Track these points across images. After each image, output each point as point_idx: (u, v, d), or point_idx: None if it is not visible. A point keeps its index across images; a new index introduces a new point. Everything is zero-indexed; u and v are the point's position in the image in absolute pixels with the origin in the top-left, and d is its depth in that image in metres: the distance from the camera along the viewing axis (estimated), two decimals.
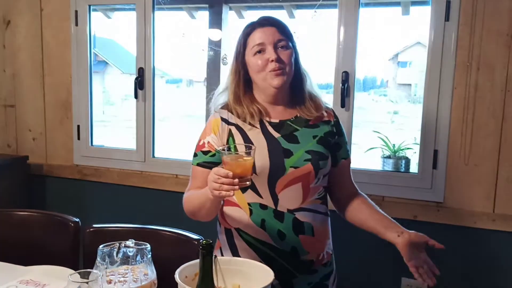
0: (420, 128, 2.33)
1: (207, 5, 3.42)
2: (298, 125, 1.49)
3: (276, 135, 1.46)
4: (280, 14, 3.45)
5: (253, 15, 3.68)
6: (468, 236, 2.27)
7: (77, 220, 1.85)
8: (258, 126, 1.47)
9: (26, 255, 1.70)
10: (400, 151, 2.56)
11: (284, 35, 1.44)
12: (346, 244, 2.47)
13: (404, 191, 2.36)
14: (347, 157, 1.58)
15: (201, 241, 1.05)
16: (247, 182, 1.26)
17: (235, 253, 1.50)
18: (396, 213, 2.34)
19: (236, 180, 1.21)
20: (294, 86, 1.50)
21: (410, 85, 6.75)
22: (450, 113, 2.24)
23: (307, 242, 1.45)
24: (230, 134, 1.47)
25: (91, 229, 1.79)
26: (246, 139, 1.46)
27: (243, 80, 1.49)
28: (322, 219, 1.50)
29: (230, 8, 3.43)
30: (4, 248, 1.76)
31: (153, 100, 2.82)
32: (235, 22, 3.44)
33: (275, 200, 1.42)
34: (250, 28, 1.46)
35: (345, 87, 2.38)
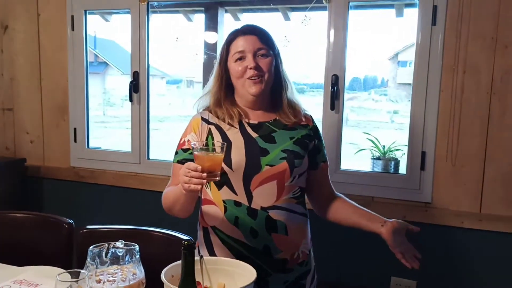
0: (408, 130, 2.37)
1: (203, 8, 3.47)
2: (276, 127, 1.54)
3: (254, 135, 1.51)
4: (275, 17, 3.50)
5: (249, 18, 3.73)
6: (455, 236, 2.32)
7: (70, 221, 1.90)
8: (237, 126, 1.53)
9: (20, 255, 1.74)
10: (390, 153, 2.60)
11: (265, 44, 1.49)
12: (335, 244, 2.52)
13: (393, 191, 2.40)
14: (325, 160, 1.63)
15: (183, 241, 1.09)
16: (216, 178, 1.31)
17: (210, 250, 1.55)
18: (385, 213, 2.37)
19: (205, 174, 1.27)
20: (274, 92, 1.55)
21: (410, 84, 6.76)
22: (437, 115, 2.29)
23: (280, 240, 1.48)
24: (210, 133, 1.53)
25: (84, 230, 1.84)
26: (225, 138, 1.51)
27: (225, 85, 1.55)
28: (297, 219, 1.53)
29: (226, 11, 3.47)
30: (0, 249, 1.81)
31: (148, 103, 2.86)
32: (231, 25, 3.48)
33: (249, 197, 1.47)
34: (233, 36, 1.51)
35: (335, 89, 2.43)
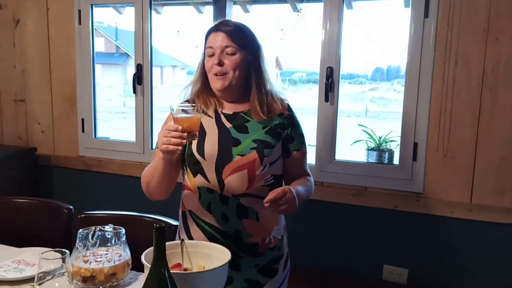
0: (401, 122, 2.41)
1: (212, 0, 3.52)
2: (250, 116, 1.58)
3: (228, 125, 1.57)
4: (284, 8, 3.55)
5: (258, 10, 3.78)
6: (446, 225, 2.35)
7: (70, 207, 2.00)
8: (212, 116, 1.59)
9: (23, 238, 1.85)
10: (385, 144, 2.64)
11: (234, 42, 1.52)
12: (327, 233, 2.59)
13: (386, 182, 2.45)
14: (299, 149, 1.66)
15: (154, 224, 1.17)
16: (195, 137, 1.38)
17: (188, 233, 1.63)
18: (377, 203, 2.46)
19: (185, 134, 1.34)
20: (248, 88, 1.59)
21: None
22: (429, 106, 2.32)
23: (250, 226, 1.55)
24: None
25: (83, 215, 1.94)
26: (201, 127, 1.54)
27: (205, 76, 1.60)
28: None
29: (235, 3, 3.52)
30: (3, 232, 1.93)
31: (151, 94, 2.96)
32: (240, 17, 3.54)
33: (221, 185, 1.53)
34: (208, 31, 1.58)
35: (329, 81, 2.47)
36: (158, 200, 1.63)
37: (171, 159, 1.48)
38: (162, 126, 1.65)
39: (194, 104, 1.51)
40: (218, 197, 1.54)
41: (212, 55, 1.54)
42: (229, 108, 1.61)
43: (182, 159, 1.59)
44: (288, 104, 1.66)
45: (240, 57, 1.54)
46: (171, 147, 1.35)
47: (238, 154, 1.52)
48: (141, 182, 1.64)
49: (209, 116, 1.59)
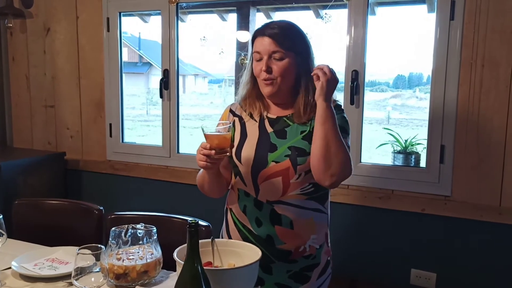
0: (427, 124, 2.40)
1: (235, 8, 3.57)
2: (292, 120, 1.56)
3: (269, 130, 1.57)
4: (306, 15, 3.57)
5: (281, 17, 3.82)
6: (474, 229, 2.33)
7: (101, 208, 2.06)
8: (257, 120, 1.59)
9: (56, 238, 1.91)
10: (411, 147, 2.63)
11: (281, 46, 1.47)
12: (353, 237, 2.58)
13: (413, 185, 2.43)
14: None
15: (188, 221, 1.20)
16: (226, 153, 1.43)
17: (227, 229, 1.67)
18: (404, 206, 2.45)
19: (213, 151, 1.40)
20: (296, 90, 1.55)
21: None
22: (456, 109, 2.31)
23: (283, 233, 1.54)
24: (233, 124, 1.61)
25: (112, 216, 1.99)
26: (243, 131, 1.59)
27: (254, 79, 1.59)
28: (307, 214, 1.55)
29: (258, 10, 3.56)
30: (38, 232, 2.00)
31: (177, 99, 3.00)
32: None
33: (257, 190, 1.55)
34: (254, 35, 1.55)
35: (354, 85, 2.48)
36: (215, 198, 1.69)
37: (214, 172, 1.53)
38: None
39: (224, 122, 1.56)
40: (253, 201, 1.56)
41: (259, 60, 1.52)
42: (274, 112, 1.60)
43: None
44: (337, 104, 1.58)
45: (289, 61, 1.50)
46: (203, 163, 1.43)
47: (273, 161, 1.52)
48: (196, 181, 1.68)
49: (254, 119, 1.59)
